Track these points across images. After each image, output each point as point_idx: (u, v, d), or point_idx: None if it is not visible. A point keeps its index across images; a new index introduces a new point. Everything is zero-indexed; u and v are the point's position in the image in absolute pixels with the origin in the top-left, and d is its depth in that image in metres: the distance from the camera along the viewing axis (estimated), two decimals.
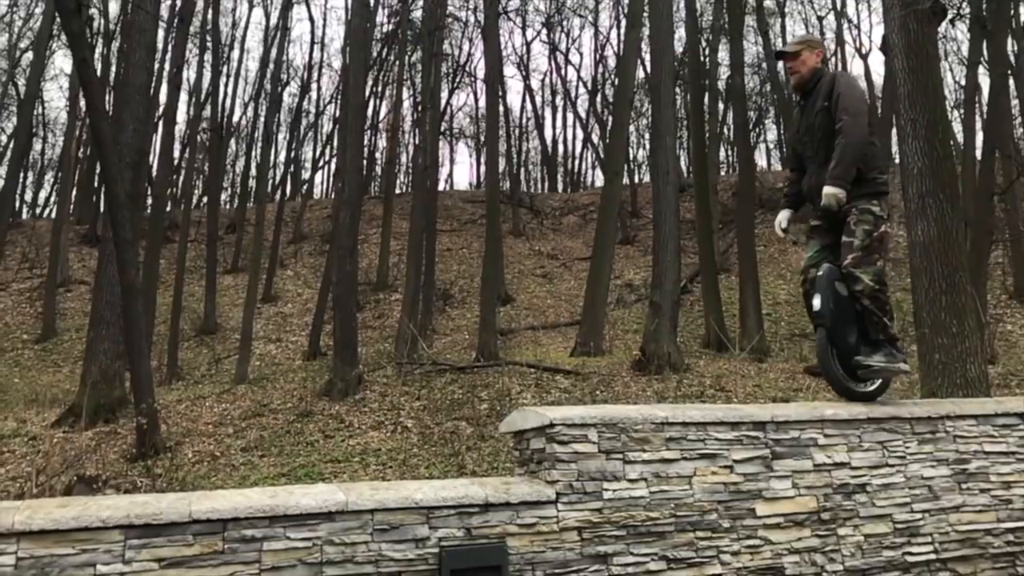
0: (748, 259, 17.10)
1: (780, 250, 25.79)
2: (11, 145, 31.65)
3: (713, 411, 3.99)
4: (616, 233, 20.61)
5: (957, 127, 20.51)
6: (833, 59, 37.17)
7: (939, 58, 8.35)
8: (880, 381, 4.43)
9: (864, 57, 39.52)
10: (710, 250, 17.15)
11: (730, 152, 40.88)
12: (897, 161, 12.27)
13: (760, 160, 43.64)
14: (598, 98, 38.15)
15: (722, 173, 35.12)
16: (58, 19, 22.40)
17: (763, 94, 37.29)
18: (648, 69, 28.36)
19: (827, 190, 4.22)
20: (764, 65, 31.31)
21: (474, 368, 14.21)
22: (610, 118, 31.94)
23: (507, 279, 25.11)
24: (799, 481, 3.96)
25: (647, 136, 41.37)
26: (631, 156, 38.40)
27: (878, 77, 41.44)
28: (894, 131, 16.99)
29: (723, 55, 28.82)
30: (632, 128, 35.89)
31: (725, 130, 36.39)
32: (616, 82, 29.55)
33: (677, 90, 23.74)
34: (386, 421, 11.56)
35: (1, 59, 33.31)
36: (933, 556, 4.09)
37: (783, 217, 4.83)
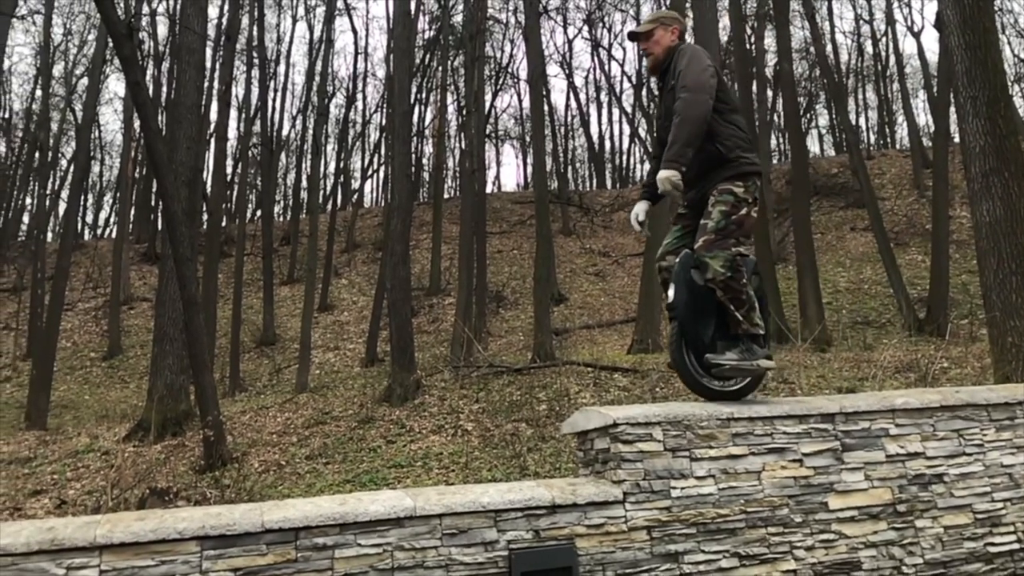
0: (805, 247, 16.78)
1: (838, 237, 25.28)
2: (71, 169, 32.68)
3: (779, 405, 3.92)
4: (669, 227, 20.41)
5: (1019, 102, 19.87)
6: (884, 39, 36.38)
7: (997, 32, 8.08)
8: (749, 379, 4.02)
9: (916, 35, 38.54)
10: (766, 240, 16.85)
11: (781, 140, 40.23)
12: (957, 140, 11.91)
13: (813, 146, 42.90)
14: (643, 92, 37.85)
15: (774, 161, 34.53)
16: (110, 44, 23.06)
17: (812, 79, 36.61)
18: None
19: (661, 174, 3.80)
20: (812, 50, 30.74)
21: (531, 369, 14.19)
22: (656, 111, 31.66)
23: (559, 279, 25.08)
24: (872, 473, 3.86)
25: None
26: None
27: (932, 55, 40.44)
28: (952, 110, 16.52)
29: (769, 41, 28.38)
30: None
31: (775, 117, 35.83)
32: None
33: (724, 79, 23.39)
34: (446, 425, 11.62)
35: (58, 86, 34.40)
36: (1017, 546, 3.96)
37: (639, 209, 4.32)
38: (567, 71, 42.42)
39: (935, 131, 21.45)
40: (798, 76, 32.35)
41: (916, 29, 46.02)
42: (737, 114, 4.05)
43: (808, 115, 38.84)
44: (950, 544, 3.87)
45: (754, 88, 23.07)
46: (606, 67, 58.43)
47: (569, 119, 46.14)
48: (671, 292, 3.94)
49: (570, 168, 46.28)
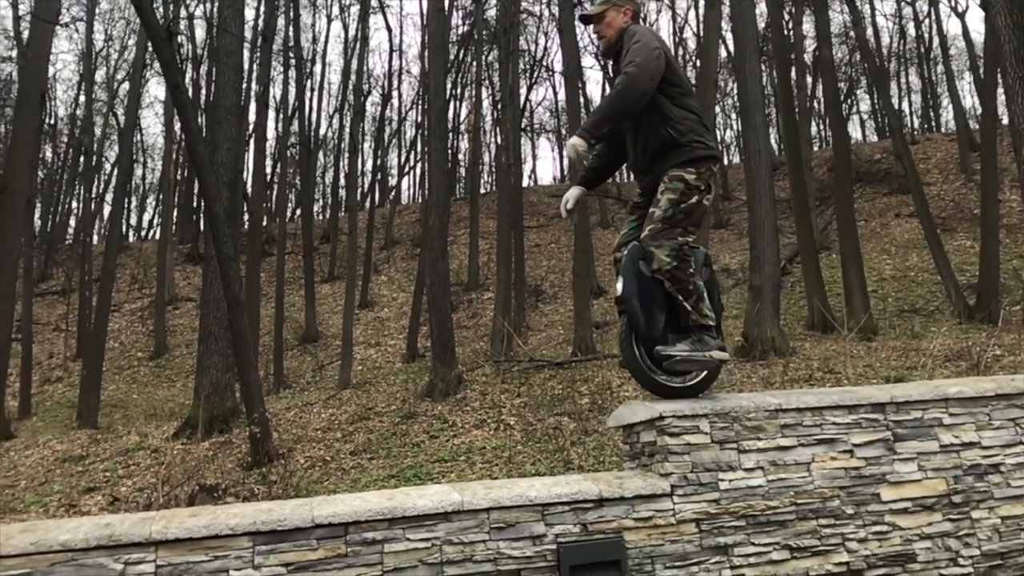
0: (849, 235, 16.50)
1: (882, 224, 24.83)
2: (115, 172, 33.36)
3: (828, 395, 3.86)
4: (709, 217, 20.22)
5: None
6: (927, 20, 35.58)
7: None
8: (704, 373, 3.84)
9: (961, 16, 37.50)
10: (808, 228, 16.60)
11: (822, 126, 39.60)
12: (1006, 122, 11.62)
13: (854, 132, 42.18)
14: None
15: (815, 148, 34.04)
16: (150, 48, 23.45)
17: (853, 64, 35.96)
18: (731, 48, 27.78)
19: (569, 141, 3.66)
20: (852, 34, 30.20)
21: (572, 363, 14.17)
22: None
23: (598, 271, 24.96)
24: (925, 463, 3.79)
25: (733, 116, 40.52)
26: (718, 138, 37.59)
27: (978, 36, 39.45)
28: (1000, 91, 16.11)
29: (808, 27, 27.94)
30: (717, 109, 35.12)
31: (815, 104, 35.28)
32: (698, 63, 29.04)
33: (762, 66, 23.09)
34: (488, 419, 11.65)
35: (101, 91, 35.09)
36: None
37: (572, 195, 4.13)
38: (602, 62, 42.10)
39: (982, 113, 20.94)
40: (838, 61, 31.80)
41: (960, 9, 44.89)
42: (690, 97, 3.90)
43: (849, 101, 38.16)
44: (1007, 535, 3.78)
45: (793, 75, 22.73)
46: None
47: None
48: (619, 285, 3.80)
49: None
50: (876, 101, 38.01)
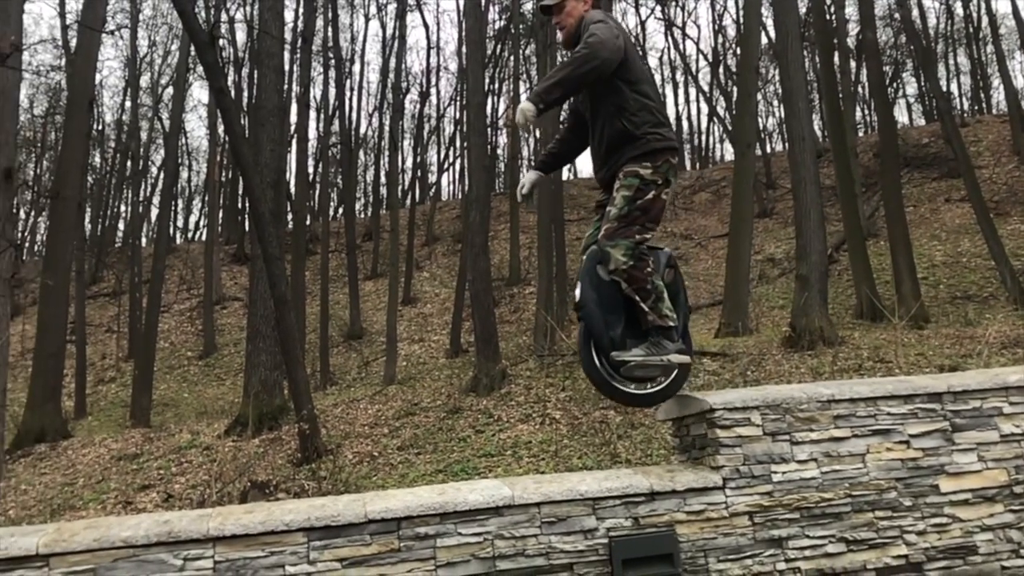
0: (898, 221, 16.17)
1: (932, 209, 24.30)
2: (161, 176, 34.00)
3: (882, 385, 3.79)
4: (752, 207, 19.98)
5: None
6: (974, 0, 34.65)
7: None
8: (674, 375, 3.67)
9: None
10: (855, 215, 16.32)
11: (867, 111, 38.84)
12: None
13: (900, 116, 41.30)
14: (720, 69, 37.08)
15: (860, 134, 33.38)
16: (193, 53, 23.82)
17: (898, 46, 35.19)
18: (772, 34, 27.35)
19: (519, 105, 3.42)
20: (897, 16, 29.57)
21: None
22: (735, 89, 31.02)
23: None
24: (985, 454, 3.71)
25: (775, 104, 39.98)
26: (761, 125, 37.10)
27: None
28: None
29: (850, 10, 27.39)
30: (759, 96, 34.67)
31: (860, 89, 34.60)
32: (738, 51, 28.67)
33: (805, 52, 22.71)
34: (534, 413, 11.65)
35: (146, 96, 35.73)
36: None
37: (528, 178, 3.99)
38: (640, 52, 41.83)
39: None
40: (883, 44, 31.15)
41: None
42: (647, 85, 3.72)
43: (895, 84, 37.36)
44: None
45: (836, 59, 22.30)
46: (680, 46, 57.50)
47: None
48: (577, 290, 3.68)
49: None
50: (923, 84, 37.15)
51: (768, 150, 35.12)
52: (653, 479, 3.40)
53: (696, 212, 31.38)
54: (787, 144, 19.02)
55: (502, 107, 35.35)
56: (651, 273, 3.54)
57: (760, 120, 36.96)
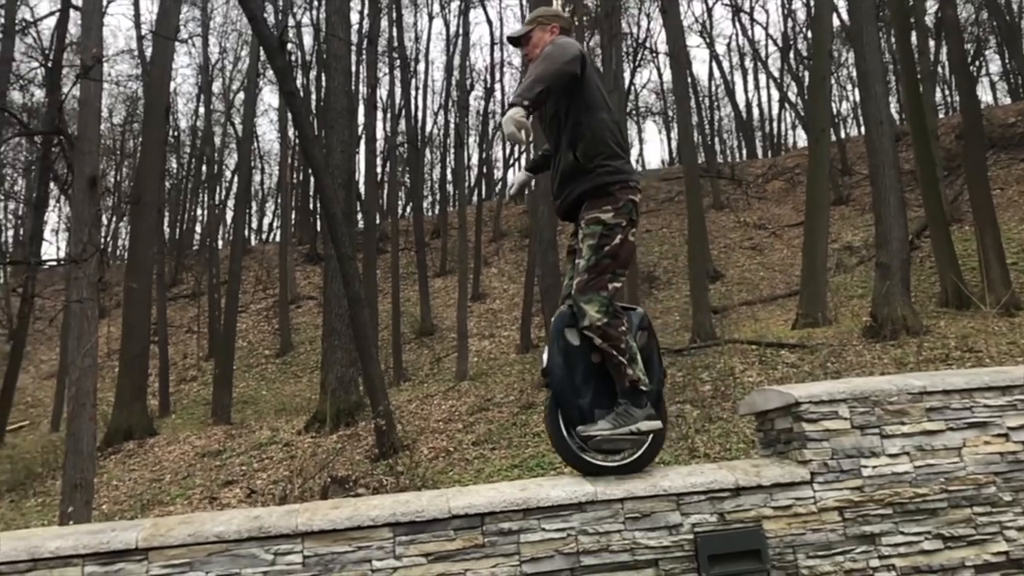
0: (984, 205, 15.51)
1: (1020, 191, 23.27)
2: (235, 179, 34.90)
3: (977, 376, 3.64)
4: (828, 194, 19.46)
5: None
6: None
7: None
8: (647, 445, 3.41)
9: None
10: (937, 200, 15.71)
11: (947, 91, 37.47)
12: None
13: (984, 96, 39.74)
14: (791, 54, 36.22)
15: (941, 115, 32.22)
16: (262, 58, 24.37)
17: (979, 23, 33.84)
18: (844, 16, 26.61)
19: (505, 115, 3.19)
20: None
21: (691, 349, 13.89)
22: (807, 74, 30.28)
23: (714, 255, 24.46)
24: None
25: (849, 88, 38.91)
26: (834, 110, 36.14)
27: None
28: None
29: None
30: (832, 80, 33.77)
31: (939, 69, 33.39)
32: (810, 34, 27.97)
33: (880, 32, 21.98)
34: None
35: (218, 102, 36.75)
36: None
37: (517, 180, 3.95)
38: (708, 40, 41.14)
39: None
40: (963, 21, 29.98)
41: None
42: (603, 112, 3.55)
43: (977, 62, 35.93)
44: None
45: (913, 39, 21.53)
46: (749, 32, 56.36)
47: (713, 89, 44.94)
48: (544, 355, 3.53)
49: (717, 140, 45.09)
50: (1008, 61, 35.62)
51: (843, 135, 34.21)
52: (738, 474, 3.34)
53: (769, 201, 30.75)
54: (863, 128, 18.47)
55: None
56: (626, 332, 3.40)
57: (834, 104, 36.03)
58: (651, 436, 3.42)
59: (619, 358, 3.35)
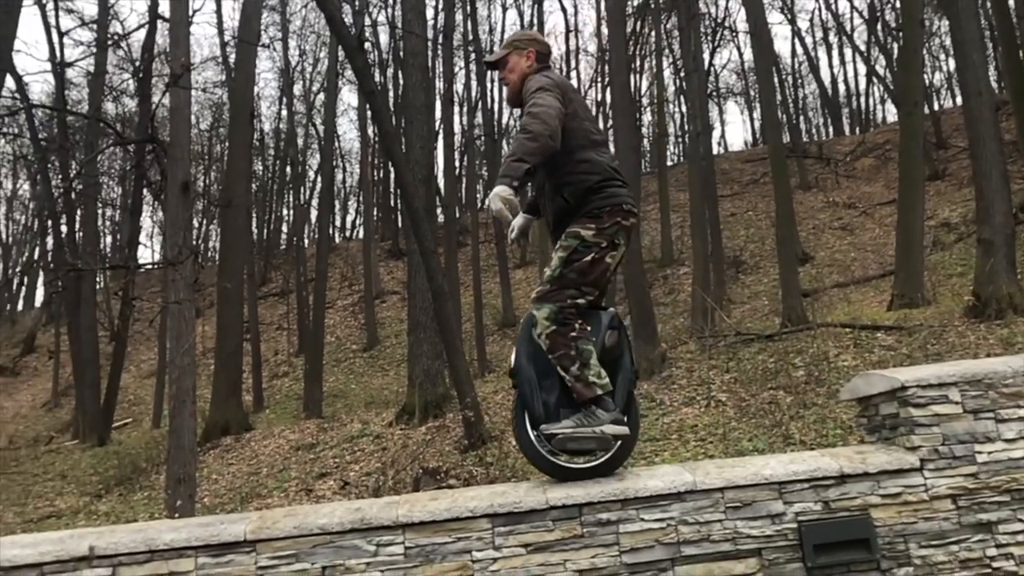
0: None
1: None
2: (318, 179, 35.68)
3: None
4: (923, 169, 18.69)
5: None
6: None
7: None
8: (616, 447, 3.29)
9: None
10: None
11: None
12: None
13: None
14: (878, 26, 34.88)
15: None
16: (341, 58, 24.80)
17: None
18: None
19: (491, 193, 3.20)
20: None
21: (782, 334, 13.53)
22: (895, 45, 29.15)
23: (802, 236, 23.78)
24: None
25: (942, 58, 37.28)
26: (927, 81, 34.67)
27: None
28: None
29: None
30: (924, 51, 32.39)
31: None
32: (898, 4, 26.88)
33: None
34: (697, 396, 11.38)
35: (299, 104, 37.57)
36: None
37: (517, 224, 3.83)
38: (789, 16, 39.90)
39: None
40: None
41: None
42: (593, 149, 3.49)
43: None
44: None
45: (1011, 3, 20.44)
46: (833, 6, 54.54)
47: (796, 66, 43.68)
48: (512, 356, 3.49)
49: (802, 118, 43.86)
50: None
51: (936, 107, 32.81)
52: (842, 461, 3.23)
53: (859, 179, 29.73)
54: (960, 100, 17.65)
55: (644, 85, 34.75)
56: (576, 338, 3.28)
57: (926, 76, 34.58)
58: (621, 440, 3.32)
59: (567, 371, 3.26)
